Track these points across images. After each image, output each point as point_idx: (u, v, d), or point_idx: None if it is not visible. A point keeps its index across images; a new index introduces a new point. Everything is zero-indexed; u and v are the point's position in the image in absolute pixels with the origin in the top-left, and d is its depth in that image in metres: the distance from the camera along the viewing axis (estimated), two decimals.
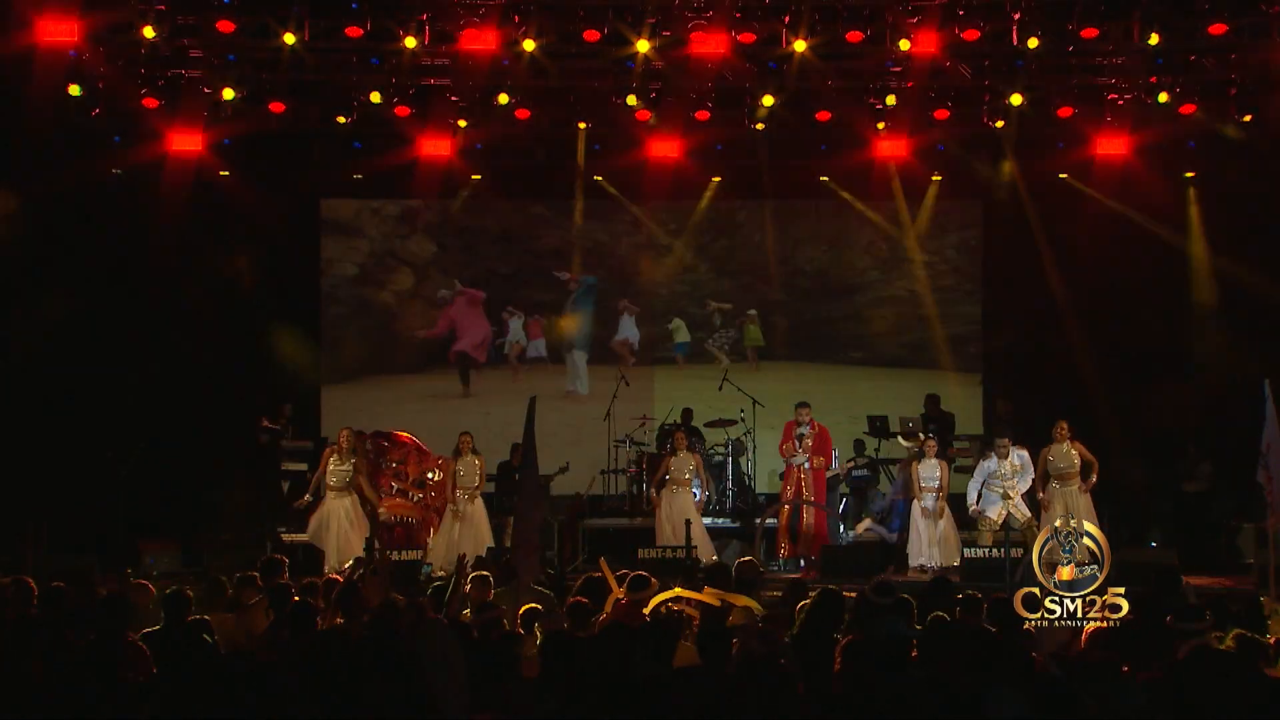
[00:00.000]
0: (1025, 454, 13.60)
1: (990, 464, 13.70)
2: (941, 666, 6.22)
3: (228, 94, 14.84)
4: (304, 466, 15.16)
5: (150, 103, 15.11)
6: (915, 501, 13.97)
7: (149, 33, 13.83)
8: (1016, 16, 13.87)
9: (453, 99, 15.49)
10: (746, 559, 9.23)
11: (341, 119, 15.61)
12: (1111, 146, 15.67)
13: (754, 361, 18.36)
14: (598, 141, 16.70)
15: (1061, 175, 16.66)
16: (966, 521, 14.00)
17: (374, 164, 16.72)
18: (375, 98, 15.03)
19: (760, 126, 15.80)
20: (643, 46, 14.12)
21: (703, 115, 15.68)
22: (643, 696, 5.44)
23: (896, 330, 18.28)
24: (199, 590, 8.79)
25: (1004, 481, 13.55)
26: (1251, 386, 12.14)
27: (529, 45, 14.12)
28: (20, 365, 15.08)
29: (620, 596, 8.04)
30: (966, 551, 13.13)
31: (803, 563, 14.13)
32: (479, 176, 17.32)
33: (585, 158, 16.83)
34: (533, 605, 8.11)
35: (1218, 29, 13.93)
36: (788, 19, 14.00)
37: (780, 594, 9.38)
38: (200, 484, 15.31)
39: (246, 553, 12.80)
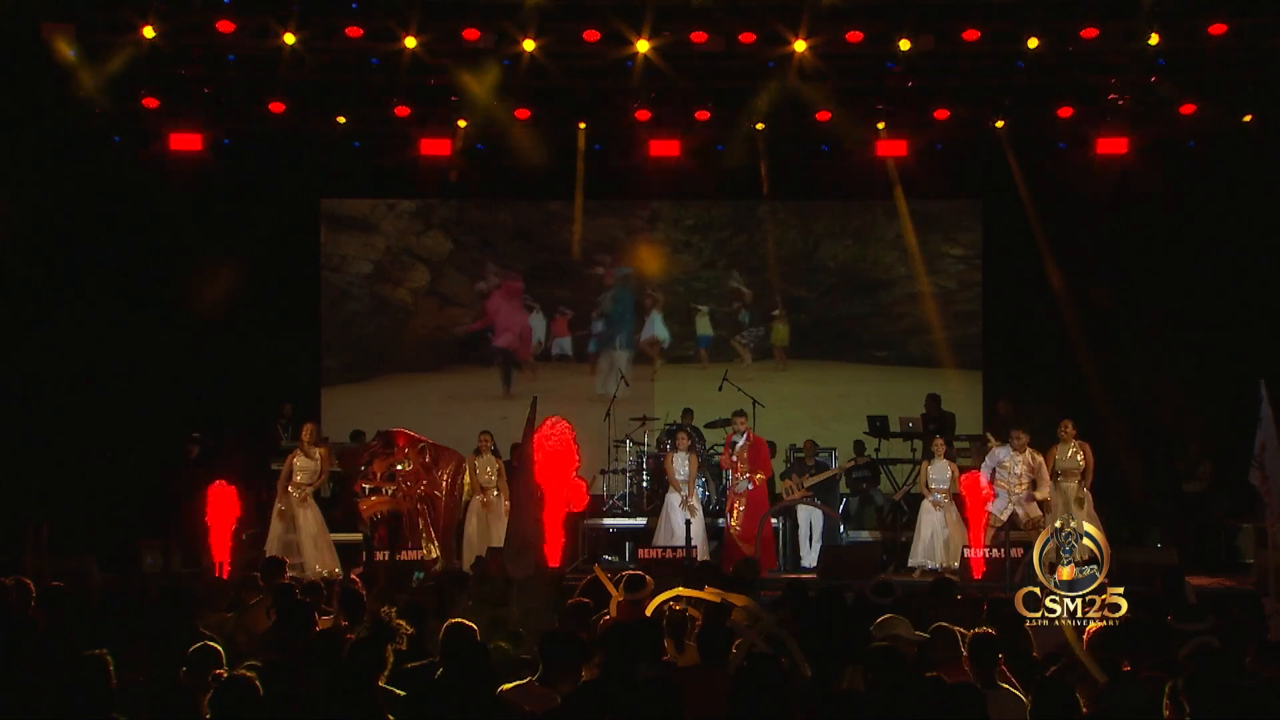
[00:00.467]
0: (1041, 460, 13.44)
1: (1001, 453, 13.52)
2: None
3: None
4: None
5: (150, 103, 15.12)
6: (924, 500, 13.95)
7: (149, 33, 13.83)
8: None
9: (453, 99, 15.49)
10: (746, 558, 9.22)
11: (341, 119, 15.60)
12: (1111, 146, 15.68)
13: (781, 361, 18.31)
14: (598, 141, 16.69)
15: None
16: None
17: (374, 164, 16.72)
18: (375, 98, 15.00)
19: (760, 126, 15.78)
20: (643, 46, 14.12)
21: (703, 115, 15.66)
22: (643, 696, 5.43)
23: (902, 331, 18.27)
24: (199, 590, 8.79)
25: (1009, 477, 13.46)
26: (1251, 386, 12.13)
27: (529, 45, 14.13)
28: (20, 365, 15.08)
29: (618, 598, 8.02)
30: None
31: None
32: (478, 177, 17.31)
33: (585, 158, 16.82)
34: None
35: (1218, 29, 13.94)
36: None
37: (780, 594, 9.39)
38: (200, 484, 15.28)
39: (247, 552, 12.81)
